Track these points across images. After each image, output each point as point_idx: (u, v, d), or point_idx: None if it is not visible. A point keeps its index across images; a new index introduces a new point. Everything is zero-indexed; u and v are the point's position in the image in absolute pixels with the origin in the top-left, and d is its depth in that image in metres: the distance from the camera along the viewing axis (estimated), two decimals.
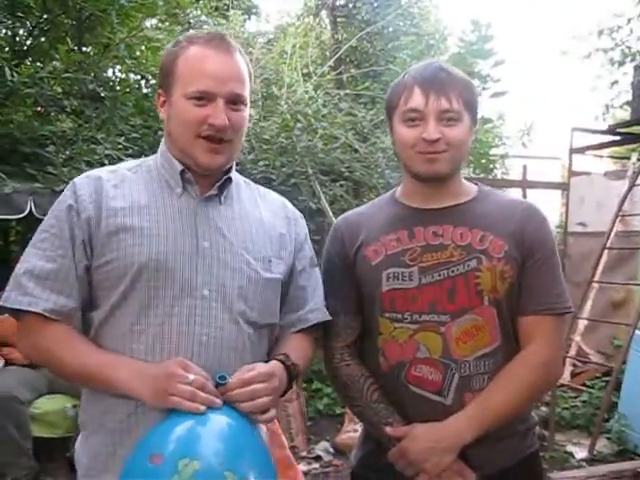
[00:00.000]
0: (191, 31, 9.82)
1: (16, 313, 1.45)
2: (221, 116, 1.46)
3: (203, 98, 1.47)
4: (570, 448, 4.81)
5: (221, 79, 1.48)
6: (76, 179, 1.53)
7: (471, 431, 1.55)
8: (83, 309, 1.49)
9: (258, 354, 1.54)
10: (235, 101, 1.50)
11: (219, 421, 1.30)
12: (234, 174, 1.62)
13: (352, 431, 4.64)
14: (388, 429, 1.60)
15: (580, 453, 4.73)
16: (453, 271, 1.60)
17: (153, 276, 1.43)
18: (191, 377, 1.32)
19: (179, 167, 1.54)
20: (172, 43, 1.58)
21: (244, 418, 1.35)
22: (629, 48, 13.42)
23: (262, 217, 1.63)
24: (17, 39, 6.87)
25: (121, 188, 1.51)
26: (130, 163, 1.64)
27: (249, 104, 1.58)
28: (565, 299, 1.65)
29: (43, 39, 6.85)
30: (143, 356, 1.42)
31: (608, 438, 4.86)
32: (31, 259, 1.46)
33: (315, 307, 1.66)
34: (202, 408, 1.29)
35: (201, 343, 1.44)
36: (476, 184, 1.77)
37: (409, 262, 1.63)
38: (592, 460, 4.61)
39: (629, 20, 13.25)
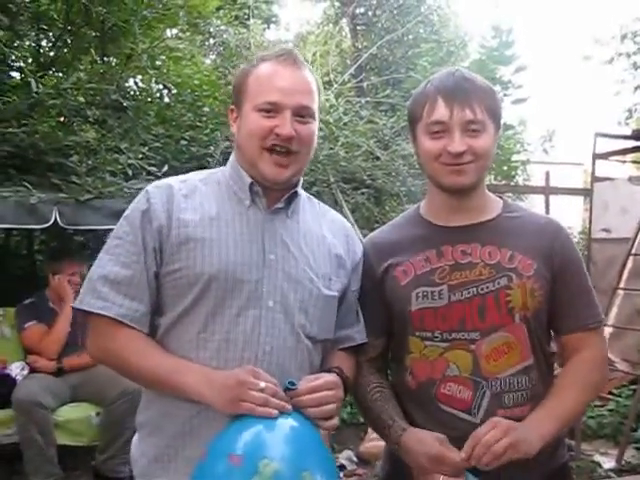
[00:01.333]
0: (211, 40, 9.92)
1: (87, 315, 1.51)
2: (287, 126, 1.50)
3: (271, 110, 1.51)
4: (597, 458, 4.74)
5: (289, 91, 1.52)
6: (149, 187, 1.59)
7: (551, 422, 1.55)
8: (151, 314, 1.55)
9: (314, 367, 1.58)
10: (303, 114, 1.54)
11: (291, 425, 1.36)
12: (300, 189, 1.66)
13: (376, 439, 4.60)
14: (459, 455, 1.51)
15: (607, 463, 4.65)
16: (483, 289, 1.60)
17: (222, 286, 1.48)
18: (262, 384, 1.36)
19: (248, 180, 1.58)
20: (246, 64, 1.65)
21: (311, 424, 1.41)
22: None
23: (324, 235, 1.67)
24: (41, 51, 6.97)
25: (192, 198, 1.56)
26: (201, 174, 1.68)
27: (318, 119, 1.61)
28: (600, 311, 1.69)
29: (66, 50, 6.93)
30: (208, 362, 1.47)
31: (636, 448, 4.78)
32: (106, 264, 1.51)
33: (362, 328, 1.72)
34: (275, 413, 1.34)
35: (265, 352, 1.49)
36: (500, 197, 1.76)
37: (438, 281, 1.62)
38: (620, 470, 4.53)
39: None
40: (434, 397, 1.62)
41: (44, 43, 7.09)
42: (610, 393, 5.67)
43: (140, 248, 1.50)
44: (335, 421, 1.45)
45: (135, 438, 1.63)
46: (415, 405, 1.66)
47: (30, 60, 6.62)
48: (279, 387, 1.39)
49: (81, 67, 6.16)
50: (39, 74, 5.81)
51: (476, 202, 1.68)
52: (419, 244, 1.69)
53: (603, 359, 1.70)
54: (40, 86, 5.35)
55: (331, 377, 1.49)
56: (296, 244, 1.58)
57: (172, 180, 1.62)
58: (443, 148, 1.57)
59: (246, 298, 1.49)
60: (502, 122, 1.70)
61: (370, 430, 4.90)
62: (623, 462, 4.63)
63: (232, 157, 1.67)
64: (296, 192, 1.62)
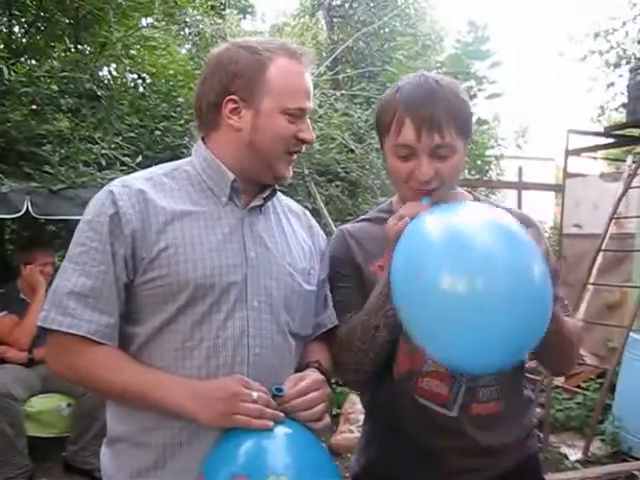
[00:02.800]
0: (187, 30, 9.82)
1: (48, 331, 1.39)
2: (310, 132, 1.51)
3: (297, 115, 1.48)
4: (564, 450, 4.83)
5: (310, 96, 1.52)
6: (113, 188, 1.44)
7: None
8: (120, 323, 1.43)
9: (295, 364, 1.54)
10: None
11: (288, 434, 1.31)
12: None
13: (347, 432, 4.64)
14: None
15: (574, 455, 4.74)
16: None
17: (210, 292, 1.40)
18: (255, 395, 1.31)
19: (231, 176, 1.49)
20: (246, 51, 1.50)
21: (305, 428, 1.36)
22: (624, 51, 13.49)
23: (294, 229, 1.63)
24: (13, 37, 6.85)
25: (163, 199, 1.45)
26: (162, 168, 1.56)
27: None
28: (567, 305, 1.69)
29: (39, 37, 6.83)
30: (196, 372, 1.39)
31: (602, 440, 4.87)
32: (70, 276, 1.38)
33: (331, 312, 1.68)
34: (271, 424, 1.30)
35: (256, 354, 1.43)
36: (470, 192, 1.76)
37: None
38: (586, 462, 4.62)
39: (624, 23, 13.32)
40: (412, 390, 1.63)
41: (16, 29, 6.98)
42: (578, 386, 5.77)
43: (108, 256, 1.37)
44: (327, 421, 1.41)
45: (106, 451, 1.51)
46: (395, 396, 1.66)
47: (1, 46, 6.49)
48: (269, 395, 1.34)
49: (54, 55, 6.08)
50: (11, 61, 5.70)
51: (446, 200, 1.69)
52: None
53: (580, 335, 1.67)
54: (12, 73, 5.27)
55: (316, 375, 1.44)
56: (272, 240, 1.54)
57: (138, 179, 1.49)
58: (411, 172, 1.52)
59: (234, 301, 1.43)
60: (477, 117, 1.69)
61: (342, 422, 4.93)
62: (589, 454, 4.72)
63: (202, 149, 1.55)
64: (275, 190, 1.58)
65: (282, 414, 1.33)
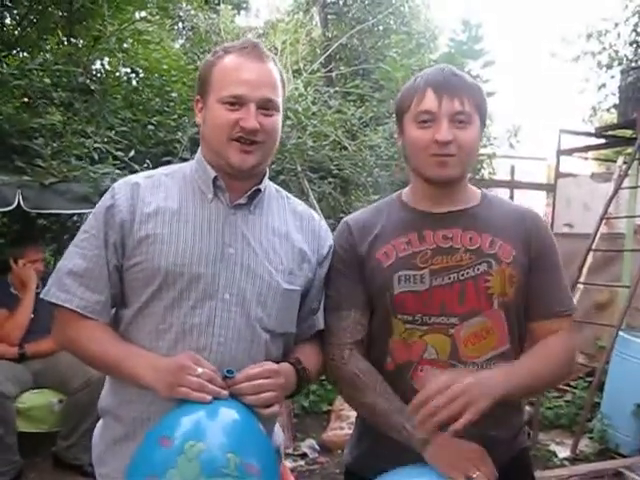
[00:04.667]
0: (180, 24, 9.80)
1: (53, 306, 1.58)
2: (252, 119, 1.53)
3: (236, 103, 1.54)
4: (553, 447, 4.86)
5: (254, 85, 1.55)
6: (115, 184, 1.64)
7: (503, 383, 1.49)
8: (115, 305, 1.61)
9: (272, 359, 1.58)
10: (267, 106, 1.57)
11: (223, 410, 1.41)
12: (266, 184, 1.69)
13: (338, 428, 4.65)
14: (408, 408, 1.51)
15: (563, 452, 4.77)
16: (463, 274, 1.63)
17: (179, 279, 1.53)
18: (200, 370, 1.41)
19: (212, 174, 1.61)
20: (211, 55, 1.65)
21: (248, 410, 1.44)
22: (616, 52, 13.54)
23: (288, 231, 1.69)
24: (5, 29, 6.81)
25: (156, 194, 1.60)
26: (167, 169, 1.72)
27: (281, 110, 1.64)
28: (572, 303, 1.76)
29: (32, 30, 6.79)
30: (165, 353, 1.51)
31: (590, 438, 4.90)
32: (72, 257, 1.58)
33: (322, 314, 1.75)
34: (208, 398, 1.39)
35: (219, 343, 1.53)
36: (479, 189, 1.80)
37: (420, 265, 1.65)
38: (574, 459, 4.65)
39: (617, 24, 13.38)
40: (410, 379, 1.65)
41: (8, 21, 6.94)
42: (567, 385, 5.80)
43: (102, 242, 1.56)
44: (275, 408, 1.48)
45: (98, 424, 1.68)
46: (391, 387, 1.66)
47: None
48: (218, 374, 1.44)
49: (47, 48, 6.05)
50: (3, 53, 5.68)
51: (458, 192, 1.71)
52: (401, 226, 1.71)
53: (568, 348, 1.70)
54: (4, 66, 5.24)
55: (271, 365, 1.52)
56: (257, 239, 1.62)
57: (138, 177, 1.66)
58: (431, 138, 1.60)
59: (202, 290, 1.54)
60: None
61: (333, 418, 4.94)
62: (577, 451, 4.76)
63: (198, 151, 1.69)
64: (259, 189, 1.64)
65: (225, 392, 1.42)
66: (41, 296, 1.59)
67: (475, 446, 1.52)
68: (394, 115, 1.76)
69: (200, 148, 1.69)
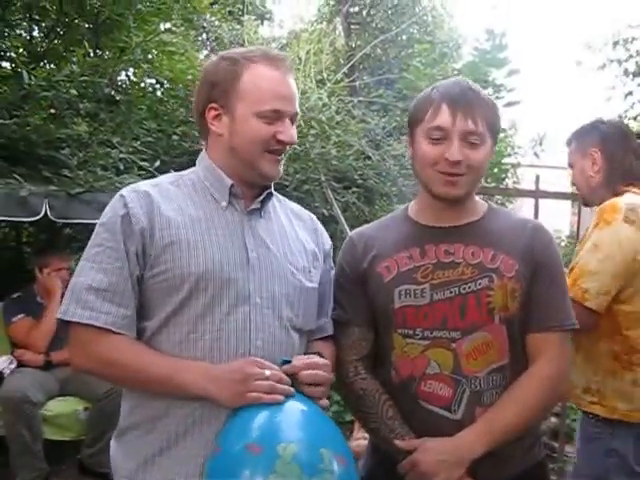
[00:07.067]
0: (204, 35, 9.88)
1: (67, 325, 1.50)
2: (290, 133, 1.57)
3: (273, 117, 1.55)
4: None
5: (289, 99, 1.58)
6: (123, 192, 1.58)
7: (480, 445, 1.56)
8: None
9: None
10: (293, 119, 1.61)
11: (298, 406, 1.42)
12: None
13: (362, 439, 4.59)
14: (398, 442, 1.61)
15: None
16: (464, 289, 1.62)
17: (211, 285, 1.51)
18: (267, 372, 1.42)
19: (229, 182, 1.61)
20: (226, 61, 1.63)
21: (313, 402, 1.47)
22: None
23: (296, 231, 1.72)
24: (33, 41, 6.91)
25: (168, 202, 1.58)
26: (169, 177, 1.70)
27: None
28: (572, 315, 1.70)
29: (59, 42, 6.88)
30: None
31: None
32: (88, 273, 1.50)
33: (330, 320, 1.77)
34: (281, 398, 1.40)
35: (257, 347, 1.53)
36: (486, 201, 1.79)
37: (421, 279, 1.65)
38: None
39: None
40: (415, 394, 1.65)
41: (36, 34, 7.03)
42: None
43: (122, 253, 1.50)
44: (326, 402, 1.52)
45: (115, 444, 1.62)
46: (396, 401, 1.68)
47: (21, 50, 6.55)
48: (281, 372, 1.45)
49: (74, 59, 6.12)
50: (31, 65, 5.75)
51: (463, 207, 1.71)
52: (403, 241, 1.71)
53: (559, 373, 1.66)
54: (32, 78, 5.31)
55: (324, 360, 1.55)
56: (274, 242, 1.64)
57: (145, 185, 1.63)
58: (441, 155, 1.59)
59: (235, 296, 1.53)
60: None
61: (357, 428, 4.91)
62: None
63: (204, 158, 1.68)
64: (271, 193, 1.68)
65: (292, 389, 1.43)
66: (58, 316, 1.50)
67: None
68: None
69: (206, 155, 1.68)
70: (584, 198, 2.55)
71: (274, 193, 1.76)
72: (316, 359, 1.53)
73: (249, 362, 1.45)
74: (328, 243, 1.82)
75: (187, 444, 1.48)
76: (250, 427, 1.36)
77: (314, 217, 1.85)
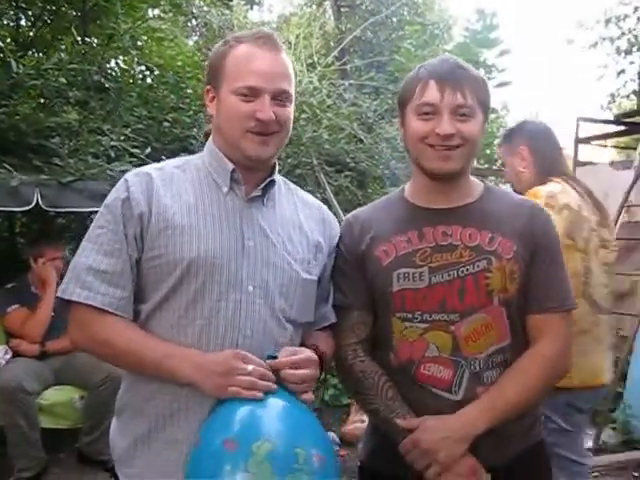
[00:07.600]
0: (194, 21, 9.81)
1: (67, 303, 1.52)
2: (267, 111, 1.52)
3: (250, 94, 1.53)
4: None
5: (268, 76, 1.54)
6: (128, 176, 1.59)
7: (483, 422, 1.56)
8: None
9: None
10: (281, 97, 1.56)
11: (278, 404, 1.40)
12: (276, 176, 1.67)
13: (359, 422, 4.65)
14: (399, 421, 1.61)
15: (585, 443, 4.72)
16: (463, 271, 1.62)
17: (202, 271, 1.50)
18: (250, 367, 1.41)
19: (230, 166, 1.59)
20: (221, 43, 1.64)
21: (295, 397, 1.45)
22: (636, 37, 13.37)
23: (300, 221, 1.69)
24: (20, 30, 6.85)
25: (170, 186, 1.57)
26: (176, 161, 1.69)
27: (293, 101, 1.63)
28: (571, 296, 1.70)
29: (47, 30, 6.82)
30: (189, 347, 1.49)
31: (613, 428, 4.86)
32: (89, 253, 1.52)
33: (331, 308, 1.75)
34: (260, 395, 1.39)
35: (246, 336, 1.52)
36: (482, 181, 1.78)
37: (419, 262, 1.64)
38: (597, 450, 4.60)
39: (636, 8, 13.18)
40: (414, 377, 1.65)
41: (23, 22, 6.97)
42: None
43: (121, 236, 1.51)
44: (311, 395, 1.50)
45: (114, 423, 1.65)
46: (396, 384, 1.67)
47: (9, 40, 6.49)
48: (267, 368, 1.44)
49: (62, 47, 6.08)
50: (19, 54, 5.71)
51: (459, 186, 1.70)
52: (401, 224, 1.70)
53: (560, 353, 1.66)
54: (20, 66, 5.27)
55: (310, 353, 1.53)
56: (274, 231, 1.61)
57: (149, 168, 1.63)
58: (431, 130, 1.58)
59: (226, 283, 1.52)
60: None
61: (353, 411, 4.94)
62: (600, 442, 4.72)
63: (210, 143, 1.67)
64: (273, 180, 1.64)
65: (275, 386, 1.42)
66: (58, 294, 1.53)
67: (471, 461, 1.57)
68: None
69: (212, 139, 1.67)
70: (518, 192, 2.62)
71: (284, 180, 1.75)
72: (302, 356, 1.50)
73: (235, 355, 1.43)
74: (336, 235, 1.78)
75: (174, 429, 1.49)
76: (231, 421, 1.36)
77: (324, 207, 1.82)
